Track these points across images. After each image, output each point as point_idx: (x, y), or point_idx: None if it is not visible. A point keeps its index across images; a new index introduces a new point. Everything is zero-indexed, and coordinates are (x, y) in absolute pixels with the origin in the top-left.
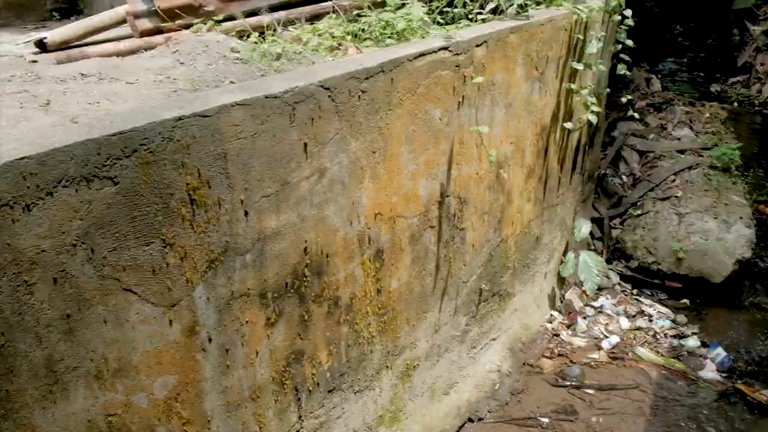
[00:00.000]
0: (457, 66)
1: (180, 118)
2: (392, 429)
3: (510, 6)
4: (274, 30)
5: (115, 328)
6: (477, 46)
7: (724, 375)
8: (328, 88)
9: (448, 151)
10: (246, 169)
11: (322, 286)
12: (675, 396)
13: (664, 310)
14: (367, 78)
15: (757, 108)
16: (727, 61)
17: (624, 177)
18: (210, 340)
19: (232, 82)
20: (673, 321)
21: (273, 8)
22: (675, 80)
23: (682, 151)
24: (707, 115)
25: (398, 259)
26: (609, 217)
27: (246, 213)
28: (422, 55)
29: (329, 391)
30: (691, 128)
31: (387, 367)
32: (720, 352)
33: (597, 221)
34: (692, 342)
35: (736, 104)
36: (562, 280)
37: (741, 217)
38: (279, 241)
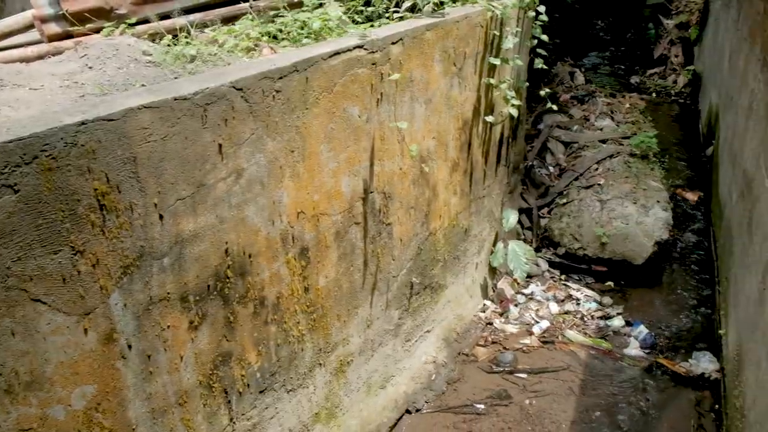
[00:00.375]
0: (373, 64)
1: (83, 123)
2: (329, 426)
3: (426, 4)
4: (188, 32)
5: (24, 339)
6: (393, 43)
7: (646, 351)
8: (240, 89)
9: (369, 147)
10: (158, 173)
11: (247, 286)
12: (602, 374)
13: (590, 293)
14: (281, 78)
15: (673, 98)
16: (644, 53)
17: (551, 168)
18: (130, 347)
19: (143, 86)
20: (600, 303)
21: (188, 11)
22: (598, 73)
23: (604, 141)
24: (627, 105)
25: (324, 257)
26: (537, 207)
27: (161, 217)
28: (337, 53)
29: (261, 392)
30: (612, 118)
31: (320, 364)
32: (642, 330)
33: (526, 211)
34: (617, 322)
35: (654, 95)
36: (493, 270)
37: (658, 201)
38: (198, 243)
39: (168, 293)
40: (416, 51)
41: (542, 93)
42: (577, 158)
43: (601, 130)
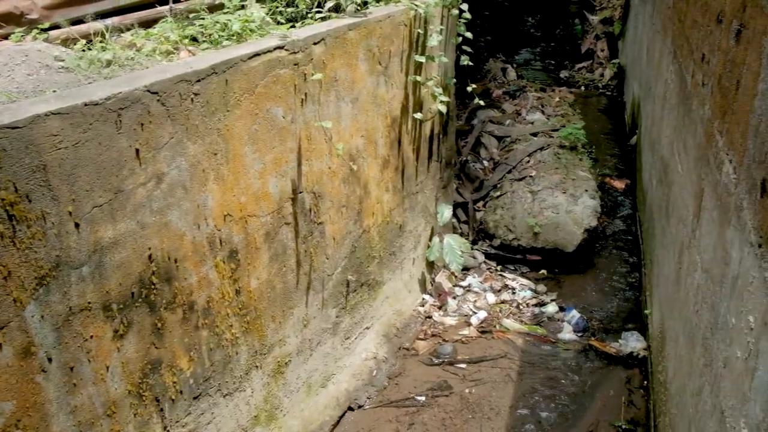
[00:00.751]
0: (295, 64)
1: None
2: (269, 428)
3: (349, 4)
4: (103, 36)
5: None
6: (315, 44)
7: (579, 334)
8: (156, 93)
9: (296, 148)
10: (71, 180)
11: (174, 292)
12: (539, 359)
13: (525, 281)
14: (198, 80)
15: (601, 90)
16: (573, 48)
17: (485, 162)
18: (50, 359)
19: (54, 92)
20: (534, 291)
21: (104, 15)
22: (529, 68)
23: (535, 134)
24: (557, 99)
25: (255, 258)
26: (473, 200)
27: (77, 225)
28: (257, 55)
29: (195, 398)
30: (542, 112)
31: (257, 366)
32: (575, 315)
33: (462, 205)
34: (551, 308)
35: (583, 88)
36: (431, 264)
37: (586, 190)
38: (119, 250)
39: (89, 303)
40: (340, 51)
41: (470, 89)
42: (510, 152)
43: (532, 123)
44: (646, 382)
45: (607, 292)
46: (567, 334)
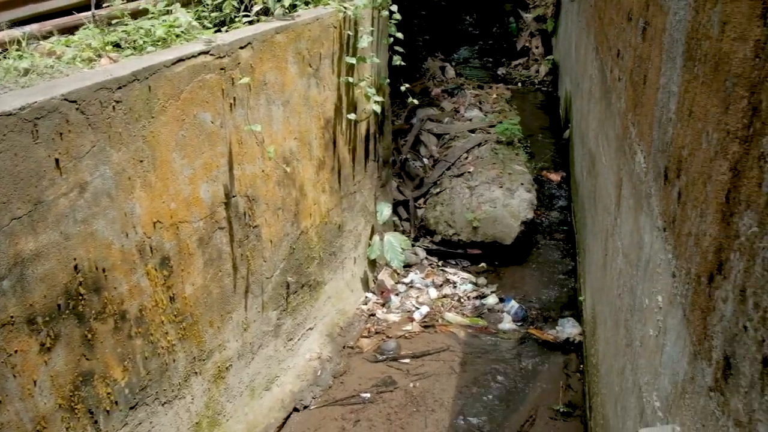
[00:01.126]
0: (222, 69)
1: None
2: None
3: (277, 7)
4: (19, 44)
5: None
6: (241, 48)
7: (519, 324)
8: (74, 101)
9: (227, 152)
10: None
11: (104, 302)
12: (480, 350)
13: (466, 275)
14: (120, 87)
15: (537, 86)
16: (509, 46)
17: (425, 159)
18: None
19: None
20: (475, 284)
21: (22, 22)
22: (468, 66)
23: (473, 131)
24: (494, 96)
25: (189, 264)
26: (413, 198)
27: None
28: (181, 60)
29: (131, 408)
30: (480, 109)
31: (196, 372)
32: (514, 305)
33: (404, 203)
34: (491, 300)
35: (520, 84)
36: (373, 263)
37: (522, 184)
38: (42, 262)
39: (11, 317)
40: (268, 54)
41: (403, 88)
42: (449, 149)
43: (470, 120)
44: (582, 366)
45: (545, 281)
46: (507, 324)
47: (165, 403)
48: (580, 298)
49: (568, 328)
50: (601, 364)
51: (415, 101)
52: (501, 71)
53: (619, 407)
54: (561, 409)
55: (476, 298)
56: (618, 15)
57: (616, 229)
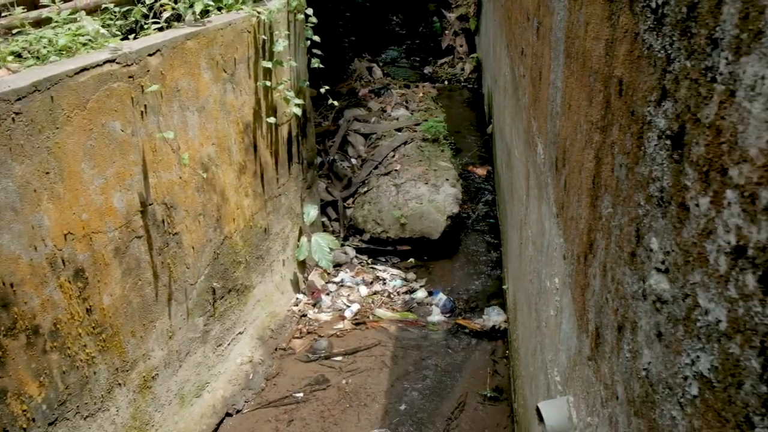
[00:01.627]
0: (130, 77)
1: None
2: None
3: (188, 14)
4: None
5: None
6: (150, 55)
7: (447, 315)
8: None
9: (140, 160)
10: None
11: (14, 317)
12: (411, 343)
13: (396, 271)
14: (19, 99)
15: (463, 84)
16: (435, 45)
17: (353, 160)
18: None
19: None
20: (405, 279)
21: None
22: (395, 66)
23: (399, 129)
24: (420, 94)
25: (105, 275)
26: (342, 198)
27: None
28: (85, 69)
29: (50, 424)
30: (406, 108)
31: (119, 384)
32: (442, 297)
33: (333, 204)
34: (420, 294)
35: (446, 82)
36: (302, 264)
37: (447, 179)
38: None
39: None
40: (179, 61)
41: (323, 90)
42: (376, 148)
43: (397, 119)
44: (507, 351)
45: (473, 273)
46: (436, 316)
47: (87, 416)
48: (504, 287)
49: (493, 316)
50: (521, 347)
51: (336, 102)
52: (428, 70)
53: (533, 386)
54: (489, 394)
55: (406, 293)
56: (521, 15)
57: (527, 218)
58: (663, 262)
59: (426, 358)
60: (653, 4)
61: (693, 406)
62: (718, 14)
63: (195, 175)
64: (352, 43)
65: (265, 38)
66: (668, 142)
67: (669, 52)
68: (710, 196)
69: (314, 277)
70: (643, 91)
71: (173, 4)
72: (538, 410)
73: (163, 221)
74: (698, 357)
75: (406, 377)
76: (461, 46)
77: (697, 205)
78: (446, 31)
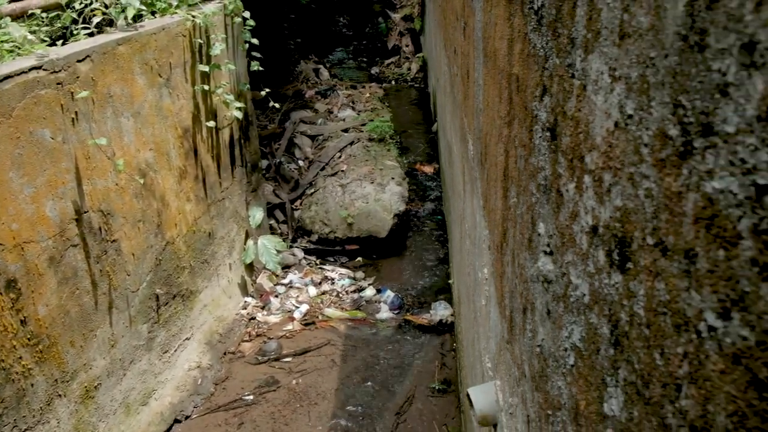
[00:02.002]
0: (59, 83)
1: None
2: None
3: (120, 18)
4: None
5: None
6: (79, 61)
7: (396, 312)
8: None
9: (73, 168)
10: None
11: None
12: (361, 341)
13: (344, 271)
14: None
15: (410, 83)
16: (382, 45)
17: (300, 162)
18: None
19: None
20: (354, 278)
21: None
22: (343, 67)
23: (346, 130)
24: (367, 95)
25: (40, 285)
26: (290, 200)
27: None
28: (9, 77)
29: None
30: (353, 108)
31: (60, 395)
32: (390, 294)
33: (281, 206)
34: (369, 292)
35: (394, 82)
36: (250, 267)
37: (393, 178)
38: None
39: None
40: (111, 66)
41: (263, 93)
42: (322, 149)
43: (343, 120)
44: (455, 344)
45: (421, 269)
46: (384, 313)
47: (25, 430)
48: (450, 281)
49: (440, 311)
50: (464, 338)
51: (278, 105)
52: (375, 70)
53: (472, 375)
54: (437, 387)
55: (355, 291)
56: (453, 15)
57: (464, 213)
58: (548, 245)
59: (375, 355)
60: (536, 6)
61: (571, 375)
62: (574, 15)
63: (132, 181)
64: (298, 44)
65: (202, 42)
66: (548, 134)
67: (546, 50)
68: (575, 182)
69: (262, 279)
70: (531, 87)
71: (104, 9)
72: (468, 396)
73: (100, 229)
74: (573, 330)
75: (356, 374)
76: (407, 46)
77: (567, 191)
78: (392, 32)
